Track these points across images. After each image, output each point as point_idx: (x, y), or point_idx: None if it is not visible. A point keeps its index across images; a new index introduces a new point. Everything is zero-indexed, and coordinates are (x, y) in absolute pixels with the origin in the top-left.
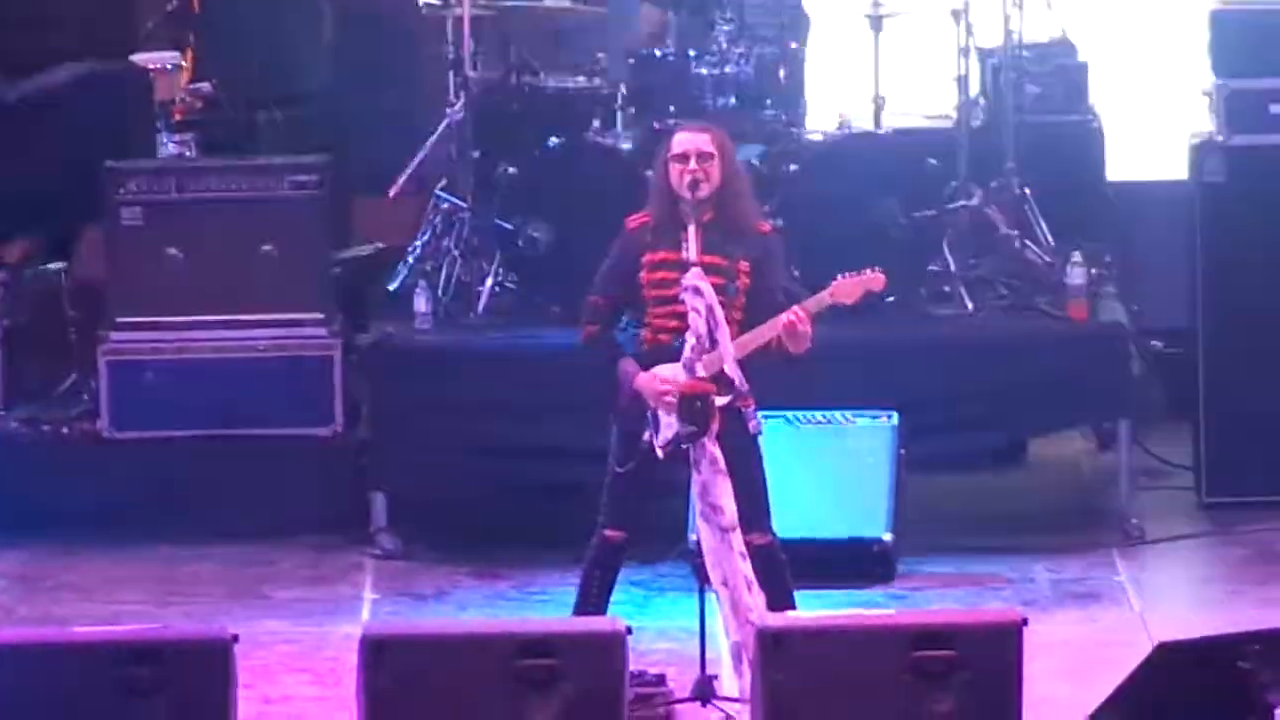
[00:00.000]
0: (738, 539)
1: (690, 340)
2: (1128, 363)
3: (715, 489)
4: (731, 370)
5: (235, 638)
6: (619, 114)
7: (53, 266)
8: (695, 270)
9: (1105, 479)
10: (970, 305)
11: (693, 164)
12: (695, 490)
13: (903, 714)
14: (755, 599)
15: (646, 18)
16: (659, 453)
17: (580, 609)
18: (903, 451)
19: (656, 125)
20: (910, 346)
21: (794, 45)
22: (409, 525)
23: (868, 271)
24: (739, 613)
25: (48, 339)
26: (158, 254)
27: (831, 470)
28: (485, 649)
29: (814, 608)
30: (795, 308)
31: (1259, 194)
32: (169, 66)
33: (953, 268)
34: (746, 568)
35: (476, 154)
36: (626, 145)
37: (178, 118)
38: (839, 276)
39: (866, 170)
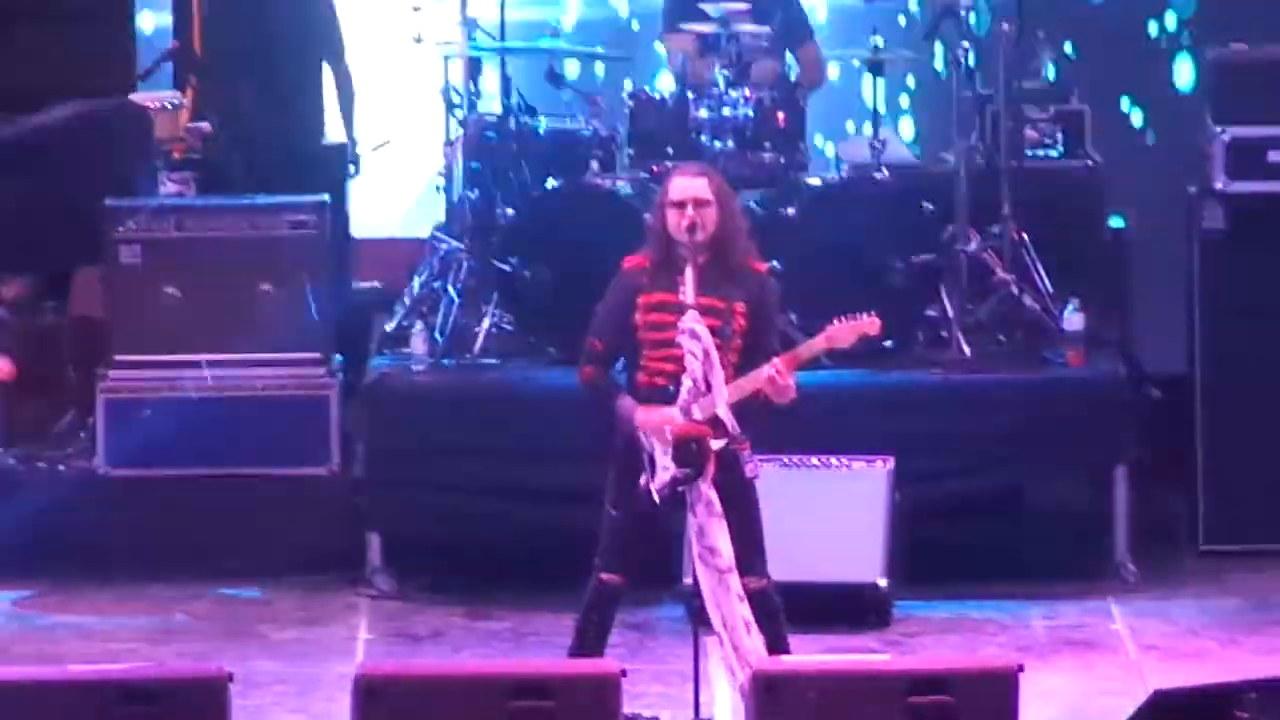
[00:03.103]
0: (735, 581)
1: (687, 383)
2: (1124, 409)
3: (711, 532)
4: (725, 415)
5: (230, 677)
6: (617, 156)
7: (50, 304)
8: (692, 313)
9: (1101, 525)
10: (967, 351)
11: (690, 210)
12: (692, 533)
13: None
14: (754, 641)
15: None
16: (655, 496)
17: (576, 651)
18: (898, 496)
19: (655, 168)
20: (906, 391)
21: (794, 88)
22: (404, 566)
23: (863, 316)
24: (740, 656)
25: (45, 377)
26: (156, 292)
27: (827, 514)
28: (480, 690)
29: (809, 652)
30: (776, 360)
31: (1259, 242)
32: (168, 105)
33: (950, 313)
34: (745, 610)
35: (475, 194)
36: (625, 188)
37: (177, 156)
38: (834, 321)
39: (864, 214)
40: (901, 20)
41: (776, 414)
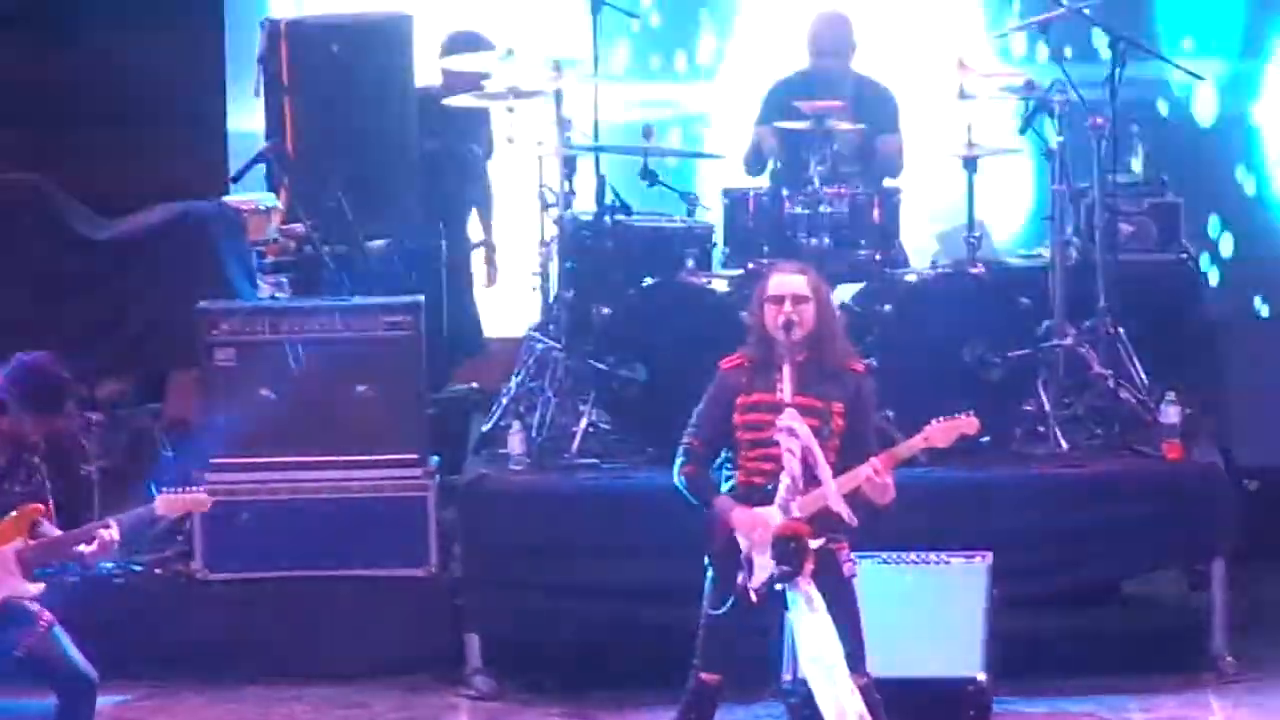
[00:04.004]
0: (843, 675)
1: (785, 481)
2: (1221, 501)
3: (812, 628)
4: (838, 506)
5: None
6: (713, 254)
7: (146, 406)
8: (790, 411)
9: (1200, 618)
10: (1064, 445)
11: (788, 305)
12: (796, 632)
13: None
14: None
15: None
16: (753, 595)
17: None
18: (996, 592)
19: (751, 265)
20: (1004, 486)
21: (889, 184)
22: (503, 666)
23: (962, 416)
24: None
25: (142, 479)
26: (251, 394)
27: (926, 610)
28: None
29: None
30: (874, 460)
31: None
32: (262, 207)
33: (1047, 407)
34: (858, 704)
35: (570, 294)
36: (722, 285)
37: (270, 258)
38: (934, 421)
39: (960, 310)
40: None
41: (875, 514)
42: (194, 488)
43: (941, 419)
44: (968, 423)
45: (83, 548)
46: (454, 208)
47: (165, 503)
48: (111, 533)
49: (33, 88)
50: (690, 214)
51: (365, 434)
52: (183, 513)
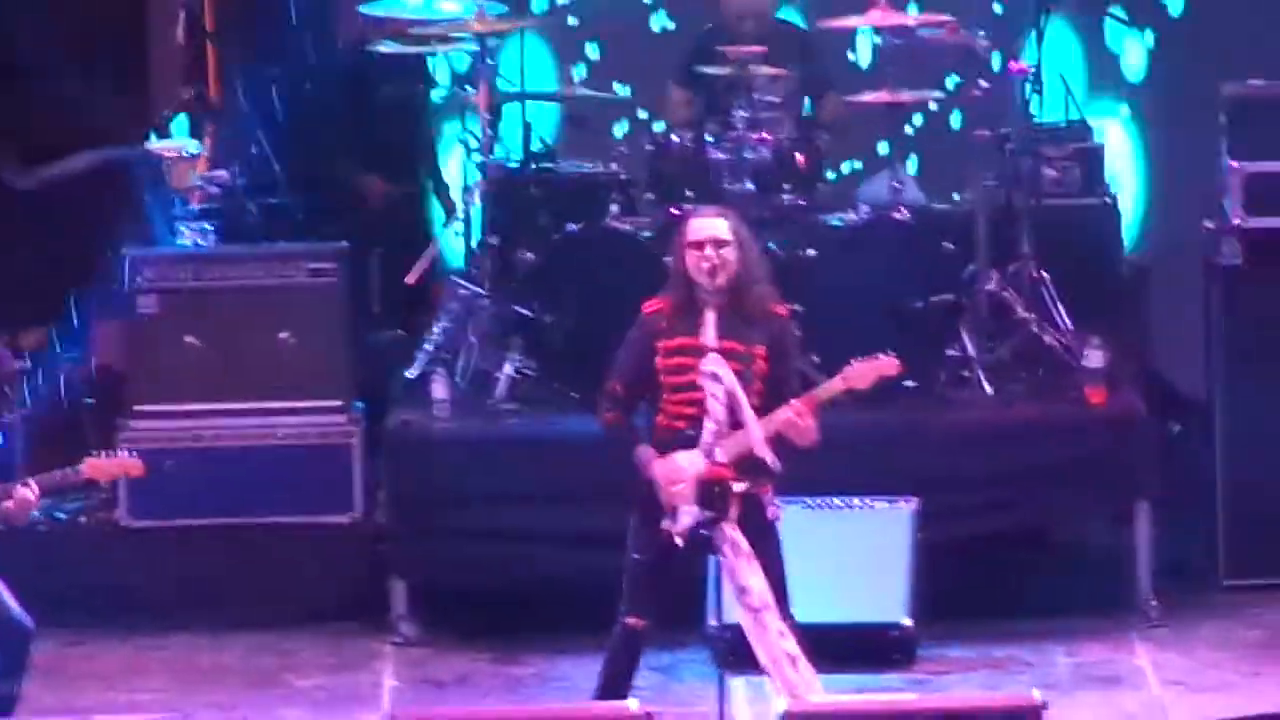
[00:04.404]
0: (772, 619)
1: (709, 426)
2: (1145, 445)
3: (741, 572)
4: (762, 450)
5: None
6: (637, 199)
7: (70, 354)
8: (714, 356)
9: (1124, 561)
10: (989, 389)
11: (709, 250)
12: (724, 575)
13: None
14: (802, 674)
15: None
16: (678, 540)
17: (601, 695)
18: (921, 536)
19: (674, 210)
20: (929, 431)
21: (814, 131)
22: (429, 612)
23: (881, 357)
24: (790, 692)
25: (66, 427)
26: (176, 342)
27: (851, 555)
28: None
29: (835, 693)
30: (795, 402)
31: (1275, 276)
32: (185, 154)
33: (971, 352)
34: (789, 645)
35: (494, 240)
36: (645, 230)
37: (194, 205)
38: (852, 362)
39: (884, 254)
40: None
41: (799, 457)
42: (124, 451)
43: (861, 360)
44: (887, 363)
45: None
46: (406, 151)
47: (94, 468)
48: (28, 491)
49: None
50: (613, 160)
51: (289, 381)
52: (111, 479)
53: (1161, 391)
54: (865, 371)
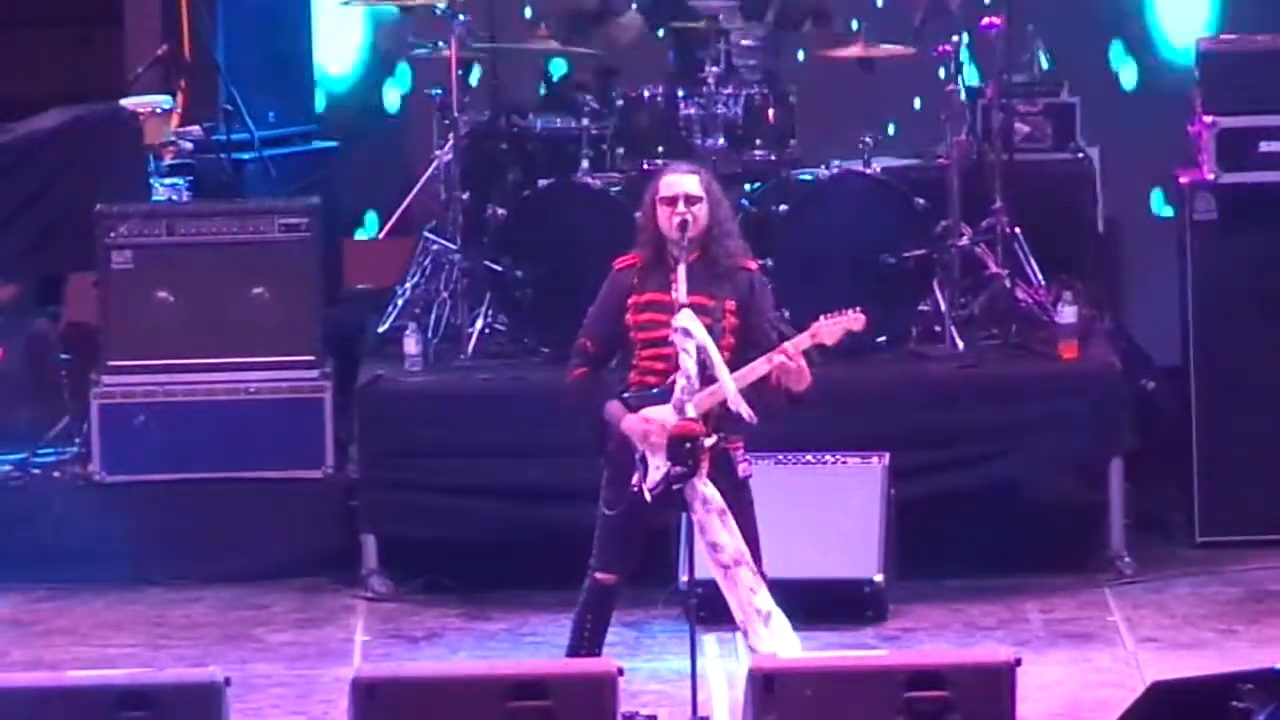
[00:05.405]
0: (744, 574)
1: (680, 381)
2: (1118, 401)
3: (712, 528)
4: (736, 404)
5: (227, 681)
6: (608, 155)
7: (45, 309)
8: (686, 311)
9: (1097, 518)
10: (960, 345)
11: (680, 205)
12: (695, 531)
13: None
14: (774, 630)
15: (630, 24)
16: (647, 495)
17: (573, 651)
18: (893, 492)
19: (645, 166)
20: (900, 387)
21: (785, 86)
22: (400, 567)
23: (848, 312)
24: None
25: (39, 382)
26: (148, 297)
27: (822, 511)
28: (477, 691)
29: (806, 649)
30: (783, 345)
31: (1250, 232)
32: (158, 110)
33: (943, 307)
34: (761, 600)
35: (465, 195)
36: (615, 186)
37: (168, 161)
38: (821, 318)
39: (856, 210)
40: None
41: (795, 404)
42: None
43: (828, 316)
44: (854, 319)
45: None
46: None
47: None
48: None
49: None
50: (583, 117)
51: (262, 336)
52: None
53: (1134, 347)
54: (833, 327)
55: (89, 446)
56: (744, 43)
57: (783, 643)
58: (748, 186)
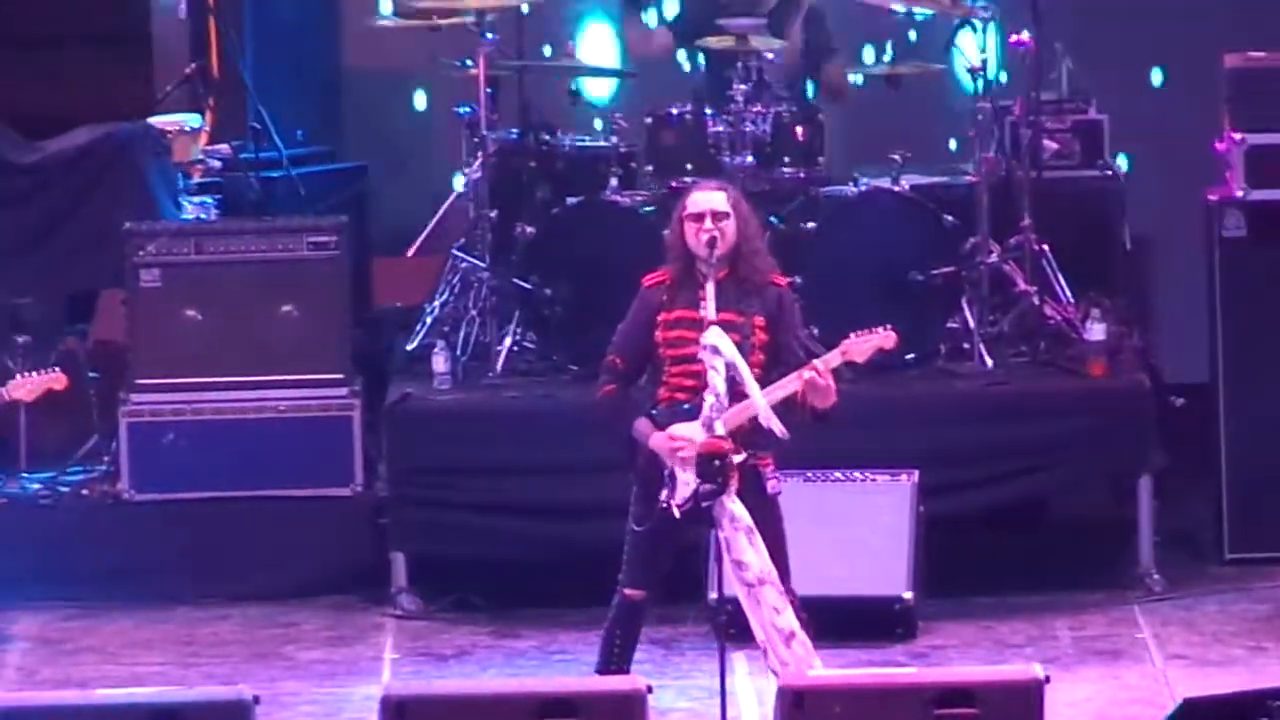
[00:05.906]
0: (769, 594)
1: (709, 398)
2: (1147, 418)
3: (738, 546)
4: (768, 420)
5: (256, 699)
6: (636, 173)
7: (74, 328)
8: (715, 329)
9: (1126, 535)
10: (989, 362)
11: (708, 223)
12: (722, 549)
13: None
14: (795, 651)
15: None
16: (676, 512)
17: (602, 668)
18: (922, 509)
19: (674, 183)
20: (929, 404)
21: (813, 104)
22: (429, 585)
23: (879, 330)
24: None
25: (68, 401)
26: (177, 316)
27: (852, 528)
28: (506, 709)
29: (835, 666)
30: (815, 362)
31: (1278, 248)
32: (186, 129)
33: (972, 325)
34: (784, 620)
35: (494, 214)
36: (644, 204)
37: (196, 179)
38: (850, 335)
39: (885, 228)
40: (912, 35)
41: (821, 421)
42: (49, 370)
43: (858, 333)
44: (884, 337)
45: None
46: None
47: (17, 387)
48: None
49: None
50: (612, 133)
51: (290, 354)
52: (37, 395)
53: (1162, 365)
54: (863, 345)
55: (118, 465)
56: (768, 70)
57: (803, 663)
58: (776, 204)
